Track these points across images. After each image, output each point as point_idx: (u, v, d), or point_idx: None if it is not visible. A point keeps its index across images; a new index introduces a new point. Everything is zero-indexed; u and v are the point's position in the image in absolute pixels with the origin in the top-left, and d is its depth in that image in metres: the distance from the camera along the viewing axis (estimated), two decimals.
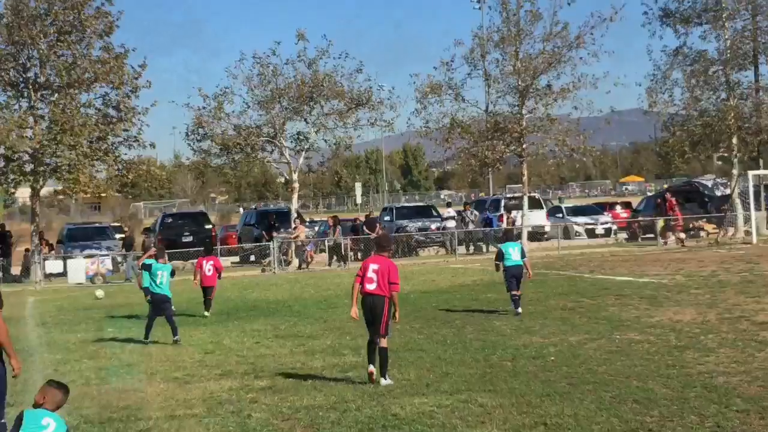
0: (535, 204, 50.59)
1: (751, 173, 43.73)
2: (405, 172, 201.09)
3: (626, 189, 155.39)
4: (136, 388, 14.20)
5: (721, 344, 14.88)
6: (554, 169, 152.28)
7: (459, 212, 49.67)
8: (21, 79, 43.21)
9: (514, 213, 47.67)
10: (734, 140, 47.43)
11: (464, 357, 15.11)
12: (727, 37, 47.40)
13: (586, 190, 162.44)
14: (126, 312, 25.95)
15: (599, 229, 52.66)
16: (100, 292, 31.70)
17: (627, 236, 50.97)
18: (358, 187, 74.44)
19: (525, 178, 47.20)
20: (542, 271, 31.96)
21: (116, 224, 68.27)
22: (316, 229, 53.55)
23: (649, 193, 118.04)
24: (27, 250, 45.66)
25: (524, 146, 45.75)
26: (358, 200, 76.35)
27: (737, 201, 46.40)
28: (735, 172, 47.75)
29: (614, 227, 53.13)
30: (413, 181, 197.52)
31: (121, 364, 16.73)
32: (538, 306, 21.74)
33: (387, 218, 51.11)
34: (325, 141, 46.27)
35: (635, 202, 70.07)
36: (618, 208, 63.12)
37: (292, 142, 46.25)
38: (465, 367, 14.15)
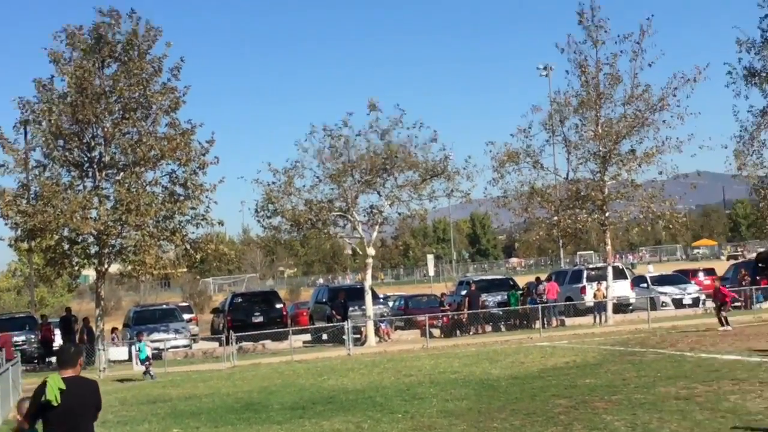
0: (619, 274, 48.48)
1: None
2: (472, 241, 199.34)
3: (698, 253, 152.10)
4: None
5: None
6: (622, 234, 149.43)
7: (530, 285, 48.06)
8: (86, 159, 42.25)
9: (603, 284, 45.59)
10: None
11: None
12: None
13: (656, 255, 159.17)
14: (193, 406, 24.13)
15: (687, 299, 50.24)
16: None
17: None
18: (431, 259, 72.63)
19: (609, 248, 45.27)
20: (638, 350, 29.94)
21: (184, 304, 66.88)
22: (390, 304, 51.80)
23: (723, 257, 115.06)
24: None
25: (607, 214, 43.88)
26: (431, 272, 74.43)
27: None
28: None
29: (702, 296, 50.67)
30: (481, 250, 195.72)
31: None
32: (647, 395, 19.59)
33: (464, 292, 49.21)
34: (399, 214, 44.68)
35: (718, 267, 67.47)
36: (701, 275, 60.47)
37: (365, 215, 44.70)
38: None
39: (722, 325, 34.60)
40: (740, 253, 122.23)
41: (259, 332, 43.34)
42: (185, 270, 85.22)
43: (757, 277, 48.23)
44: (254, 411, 20.82)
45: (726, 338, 31.69)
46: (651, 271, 73.93)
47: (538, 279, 49.85)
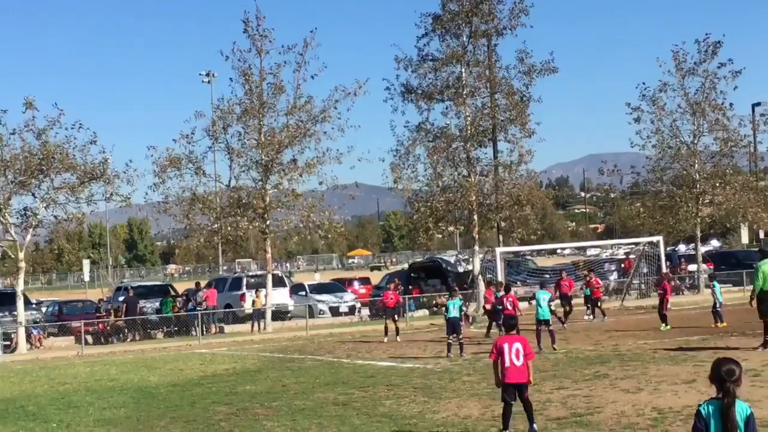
0: (278, 282, 49.01)
1: (498, 250, 43.74)
2: (130, 246, 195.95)
3: (353, 262, 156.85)
4: None
5: None
6: (280, 243, 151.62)
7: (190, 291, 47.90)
8: None
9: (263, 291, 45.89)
10: (475, 217, 47.53)
11: None
12: (467, 113, 47.73)
13: (313, 264, 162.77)
14: None
15: (343, 307, 51.51)
16: None
17: (369, 314, 50.09)
18: (86, 264, 70.56)
19: (269, 256, 45.56)
20: (297, 356, 30.47)
21: None
22: (44, 310, 49.77)
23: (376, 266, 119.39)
24: None
25: (268, 222, 44.25)
26: (86, 277, 72.30)
27: (479, 277, 46.41)
28: (476, 248, 47.85)
29: (358, 305, 52.11)
30: (138, 255, 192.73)
31: None
32: (307, 401, 19.87)
33: (122, 298, 48.11)
34: (56, 217, 42.83)
35: (373, 277, 69.76)
36: (356, 284, 62.22)
37: (17, 217, 42.53)
38: None
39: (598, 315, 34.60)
40: (383, 264, 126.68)
41: None
42: None
43: (410, 287, 50.13)
44: None
45: (381, 345, 32.75)
46: (317, 278, 75.45)
47: (197, 285, 49.53)
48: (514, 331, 15.12)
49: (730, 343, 25.54)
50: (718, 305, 31.14)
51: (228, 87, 51.90)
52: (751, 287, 26.08)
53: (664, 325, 31.41)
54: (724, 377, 7.38)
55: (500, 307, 30.05)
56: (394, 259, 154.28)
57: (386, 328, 34.75)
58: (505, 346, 14.19)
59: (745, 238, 63.31)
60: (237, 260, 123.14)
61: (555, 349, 26.49)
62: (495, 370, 14.24)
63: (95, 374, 28.73)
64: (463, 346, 27.46)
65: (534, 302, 29.30)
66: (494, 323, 32.34)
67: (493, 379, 14.69)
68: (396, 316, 35.26)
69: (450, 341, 27.40)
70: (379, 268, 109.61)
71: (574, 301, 37.70)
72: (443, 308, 29.36)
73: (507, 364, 14.09)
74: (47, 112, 41.80)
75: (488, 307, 34.84)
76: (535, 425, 14.12)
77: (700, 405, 7.52)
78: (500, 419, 14.57)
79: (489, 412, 16.86)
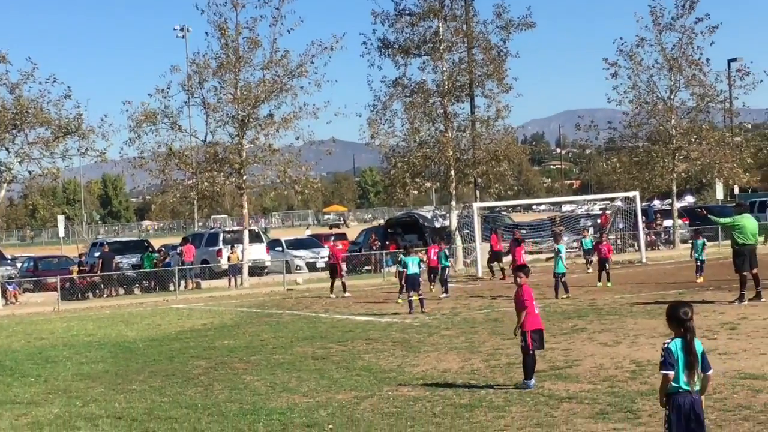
0: (254, 237, 48.94)
1: (476, 205, 43.68)
2: (104, 202, 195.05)
3: (329, 218, 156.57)
4: None
5: (508, 401, 13.47)
6: (256, 199, 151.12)
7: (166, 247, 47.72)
8: None
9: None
10: (452, 172, 47.50)
11: (225, 427, 12.94)
12: (444, 69, 47.53)
13: (289, 220, 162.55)
14: None
15: (320, 263, 51.43)
16: None
17: (346, 270, 49.98)
18: (61, 220, 69.83)
19: (245, 211, 45.43)
20: (275, 311, 30.44)
21: None
22: (19, 266, 49.55)
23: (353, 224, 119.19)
24: None
25: (244, 177, 44.09)
26: (61, 233, 71.81)
27: (457, 233, 46.46)
28: (453, 203, 47.87)
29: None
30: (113, 212, 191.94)
31: None
32: (286, 355, 19.89)
33: (97, 253, 47.89)
34: (30, 172, 42.45)
35: (350, 233, 69.71)
36: (332, 240, 62.02)
37: None
38: None
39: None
40: (342, 222, 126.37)
41: None
42: None
43: (387, 242, 50.13)
44: None
45: (358, 300, 32.79)
46: (309, 232, 75.45)
47: (185, 240, 49.23)
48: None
49: (706, 297, 25.68)
50: (698, 262, 31.16)
51: (203, 42, 51.56)
52: (729, 242, 26.20)
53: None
54: (683, 318, 8.49)
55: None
56: (352, 217, 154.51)
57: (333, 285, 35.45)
58: (533, 293, 14.64)
59: (719, 194, 63.50)
60: (212, 216, 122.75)
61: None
62: (520, 316, 14.43)
63: (72, 329, 28.63)
64: (424, 301, 27.58)
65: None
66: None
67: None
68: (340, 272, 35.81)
69: (410, 298, 27.40)
70: (338, 226, 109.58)
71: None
72: (401, 265, 29.21)
73: (537, 310, 14.55)
74: (21, 66, 41.38)
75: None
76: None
77: (667, 343, 8.50)
78: (480, 373, 14.56)
79: (468, 365, 16.93)
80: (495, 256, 39.24)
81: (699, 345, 8.54)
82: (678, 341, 8.48)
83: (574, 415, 12.29)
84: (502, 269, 38.26)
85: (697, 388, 8.49)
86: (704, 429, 8.60)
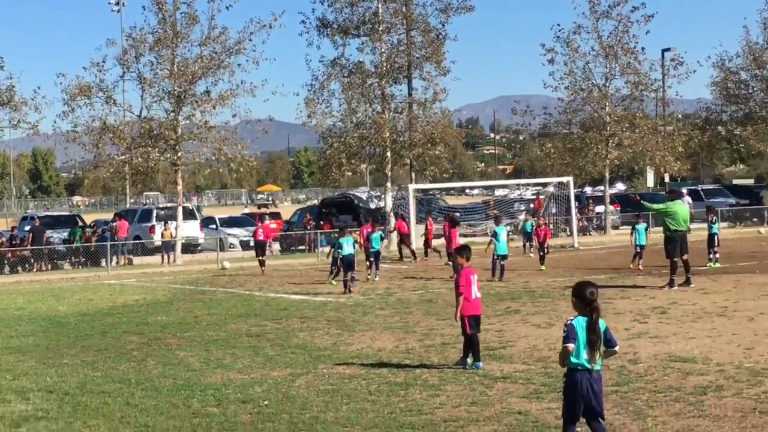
0: (188, 215, 48.60)
1: (411, 187, 43.82)
2: (34, 177, 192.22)
3: (262, 198, 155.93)
4: None
5: (444, 380, 13.58)
6: (189, 177, 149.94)
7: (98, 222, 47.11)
8: None
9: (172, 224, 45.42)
10: (388, 154, 47.59)
11: (159, 402, 12.86)
12: (383, 50, 47.56)
13: (222, 199, 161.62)
14: None
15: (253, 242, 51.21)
16: None
17: (279, 249, 50.01)
18: None
19: (180, 188, 45.09)
20: (208, 289, 30.38)
21: None
22: None
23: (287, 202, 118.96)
24: None
25: (179, 154, 43.74)
26: None
27: (392, 215, 46.57)
28: (389, 185, 47.98)
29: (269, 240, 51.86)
30: (43, 186, 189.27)
31: None
32: (220, 332, 19.83)
33: (27, 228, 47.25)
34: None
35: (285, 212, 69.51)
36: (267, 219, 61.85)
37: None
38: (165, 417, 11.91)
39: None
40: (270, 201, 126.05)
41: None
42: None
43: (321, 222, 50.08)
44: None
45: (292, 279, 32.72)
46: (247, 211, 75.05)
47: (117, 215, 48.62)
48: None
49: (637, 282, 26.05)
50: (638, 247, 31.14)
51: (140, 16, 51.00)
52: (660, 228, 26.51)
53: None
54: (590, 297, 8.80)
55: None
56: (277, 200, 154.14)
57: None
58: (473, 278, 14.40)
59: (650, 182, 64.32)
60: (145, 193, 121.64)
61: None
62: (458, 302, 14.31)
63: (1, 303, 28.25)
64: (355, 280, 27.77)
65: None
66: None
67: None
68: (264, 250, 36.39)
69: (346, 278, 27.45)
70: (266, 206, 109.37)
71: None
72: (336, 247, 29.25)
73: (475, 295, 14.36)
74: None
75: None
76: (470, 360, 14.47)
77: (570, 320, 8.79)
78: (415, 352, 14.63)
79: (402, 344, 17.02)
80: (403, 239, 39.80)
81: (602, 323, 8.81)
82: (581, 319, 8.76)
83: (508, 395, 12.43)
84: (413, 252, 38.82)
85: (598, 366, 8.75)
86: (602, 404, 8.84)
